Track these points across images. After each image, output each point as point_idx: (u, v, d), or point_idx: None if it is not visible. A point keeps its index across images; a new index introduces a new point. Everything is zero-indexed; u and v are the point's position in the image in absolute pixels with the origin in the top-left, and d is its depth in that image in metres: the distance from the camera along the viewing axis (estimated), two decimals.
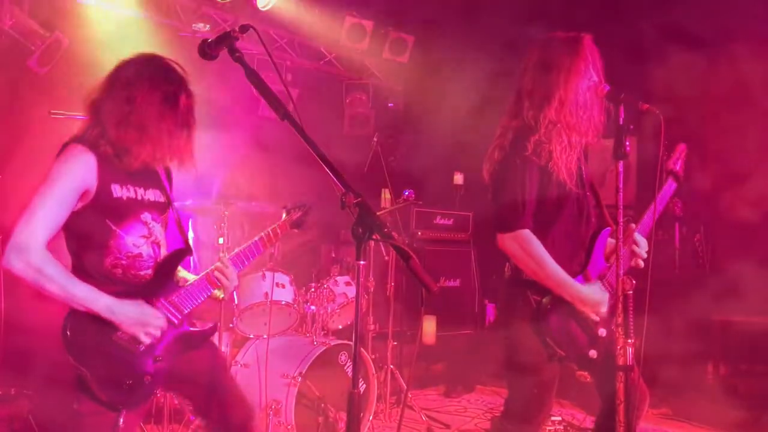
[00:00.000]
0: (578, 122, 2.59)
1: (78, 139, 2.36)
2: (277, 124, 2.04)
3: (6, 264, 2.20)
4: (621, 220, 2.38)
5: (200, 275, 2.57)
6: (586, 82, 2.59)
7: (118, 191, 2.39)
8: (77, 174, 2.29)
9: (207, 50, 2.15)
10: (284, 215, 2.93)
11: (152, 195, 2.52)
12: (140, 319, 2.33)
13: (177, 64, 2.49)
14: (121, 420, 2.29)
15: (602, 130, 2.67)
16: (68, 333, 2.26)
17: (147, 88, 2.38)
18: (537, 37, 2.75)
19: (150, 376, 2.37)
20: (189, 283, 2.55)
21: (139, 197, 2.46)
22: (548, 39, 2.71)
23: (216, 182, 5.27)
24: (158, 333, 2.38)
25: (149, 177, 2.53)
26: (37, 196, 2.26)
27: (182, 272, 2.66)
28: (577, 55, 2.61)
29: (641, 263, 2.70)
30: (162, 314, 2.41)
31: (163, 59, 2.49)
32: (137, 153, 2.38)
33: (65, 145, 2.36)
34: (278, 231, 2.89)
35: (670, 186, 2.87)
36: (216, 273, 2.56)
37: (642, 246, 2.70)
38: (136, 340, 2.34)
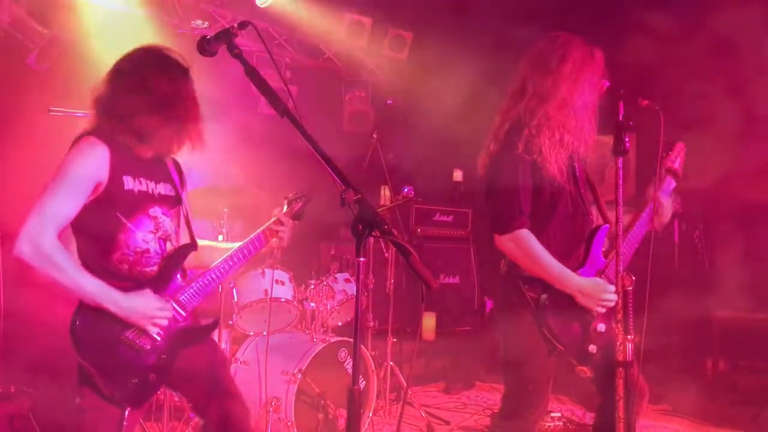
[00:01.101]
0: (576, 123, 2.60)
1: (91, 132, 2.35)
2: (277, 122, 2.04)
3: (17, 252, 2.18)
4: (620, 216, 2.38)
5: (255, 233, 2.66)
6: (588, 78, 2.60)
7: (130, 183, 2.38)
8: (91, 166, 2.29)
9: (206, 47, 2.16)
10: (285, 207, 2.90)
11: (163, 189, 2.53)
12: (147, 312, 2.34)
13: (174, 51, 2.52)
14: (126, 415, 2.29)
15: (593, 139, 2.67)
16: (77, 329, 2.26)
17: (159, 74, 2.40)
18: (540, 34, 2.75)
19: (155, 374, 2.38)
20: (234, 247, 2.63)
21: (150, 190, 2.46)
22: (551, 36, 2.71)
23: (211, 174, 5.25)
24: (165, 323, 2.39)
25: (161, 170, 2.54)
26: (49, 186, 2.24)
27: (218, 244, 2.76)
28: (579, 53, 2.62)
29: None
30: (168, 304, 2.41)
31: (162, 48, 2.51)
32: (159, 139, 2.40)
33: (78, 138, 2.35)
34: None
35: (669, 184, 2.89)
36: (274, 226, 2.67)
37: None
38: (143, 338, 2.35)
